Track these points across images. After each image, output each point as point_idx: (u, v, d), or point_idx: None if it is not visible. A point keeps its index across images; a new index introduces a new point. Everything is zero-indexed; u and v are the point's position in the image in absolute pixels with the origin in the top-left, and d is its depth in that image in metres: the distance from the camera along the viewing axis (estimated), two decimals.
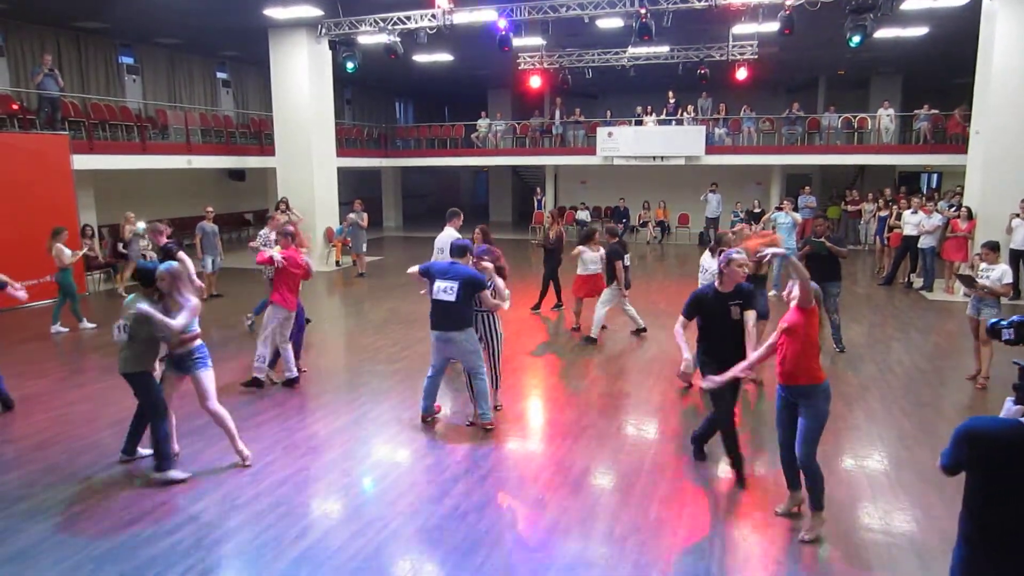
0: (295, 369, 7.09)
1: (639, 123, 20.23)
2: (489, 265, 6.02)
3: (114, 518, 4.43)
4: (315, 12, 13.33)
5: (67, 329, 9.43)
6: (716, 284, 4.94)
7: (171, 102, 17.57)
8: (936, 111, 17.91)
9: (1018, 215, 11.07)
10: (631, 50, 16.50)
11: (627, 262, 8.76)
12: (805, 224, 13.13)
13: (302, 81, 15.25)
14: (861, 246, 17.44)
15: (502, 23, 11.78)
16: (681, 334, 5.03)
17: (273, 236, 8.10)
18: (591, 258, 9.03)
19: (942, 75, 20.82)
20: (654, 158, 19.55)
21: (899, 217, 13.00)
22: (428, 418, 6.11)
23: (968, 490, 2.36)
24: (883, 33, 14.39)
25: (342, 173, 17.17)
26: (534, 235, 19.12)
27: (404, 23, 12.69)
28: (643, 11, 11.02)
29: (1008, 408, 2.55)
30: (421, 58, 17.87)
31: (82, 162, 12.77)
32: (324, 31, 13.80)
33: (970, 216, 11.71)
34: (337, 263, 15.83)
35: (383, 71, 19.81)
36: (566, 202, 23.05)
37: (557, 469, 5.20)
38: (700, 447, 5.30)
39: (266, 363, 7.00)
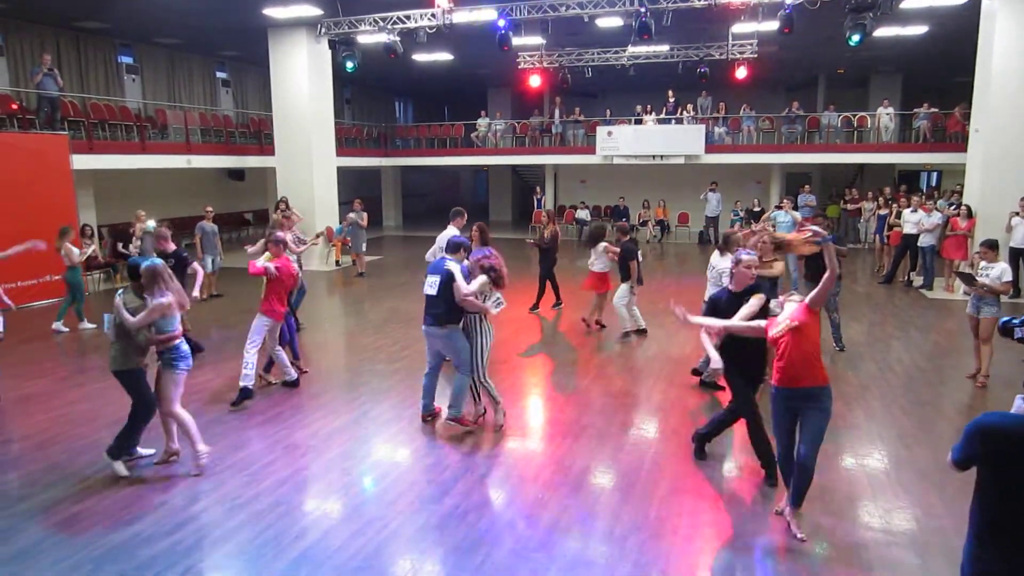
0: (293, 372, 7.08)
1: (639, 122, 20.21)
2: (483, 278, 5.68)
3: (114, 518, 4.43)
4: (315, 11, 13.33)
5: (67, 329, 9.45)
6: (729, 285, 4.96)
7: (171, 102, 17.56)
8: (936, 110, 17.90)
9: (1018, 213, 11.07)
10: (631, 49, 16.50)
11: (640, 259, 8.92)
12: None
13: (302, 80, 15.25)
14: (861, 245, 17.45)
15: (502, 23, 11.77)
16: (707, 339, 4.93)
17: (289, 238, 7.93)
18: (597, 255, 9.15)
19: (942, 74, 20.81)
20: (654, 157, 19.55)
21: (899, 215, 13.01)
22: (428, 417, 6.10)
23: (979, 486, 2.37)
24: (883, 32, 14.40)
25: (342, 172, 17.17)
26: (533, 234, 19.09)
27: (404, 22, 12.68)
28: (643, 10, 11.00)
29: (1019, 405, 2.56)
30: (421, 57, 17.87)
31: (82, 162, 12.77)
32: (324, 30, 13.79)
33: (970, 214, 11.70)
34: (337, 263, 15.84)
35: (383, 70, 19.81)
36: (566, 201, 23.07)
37: (557, 468, 5.20)
38: (701, 446, 5.30)
39: (254, 370, 6.65)
